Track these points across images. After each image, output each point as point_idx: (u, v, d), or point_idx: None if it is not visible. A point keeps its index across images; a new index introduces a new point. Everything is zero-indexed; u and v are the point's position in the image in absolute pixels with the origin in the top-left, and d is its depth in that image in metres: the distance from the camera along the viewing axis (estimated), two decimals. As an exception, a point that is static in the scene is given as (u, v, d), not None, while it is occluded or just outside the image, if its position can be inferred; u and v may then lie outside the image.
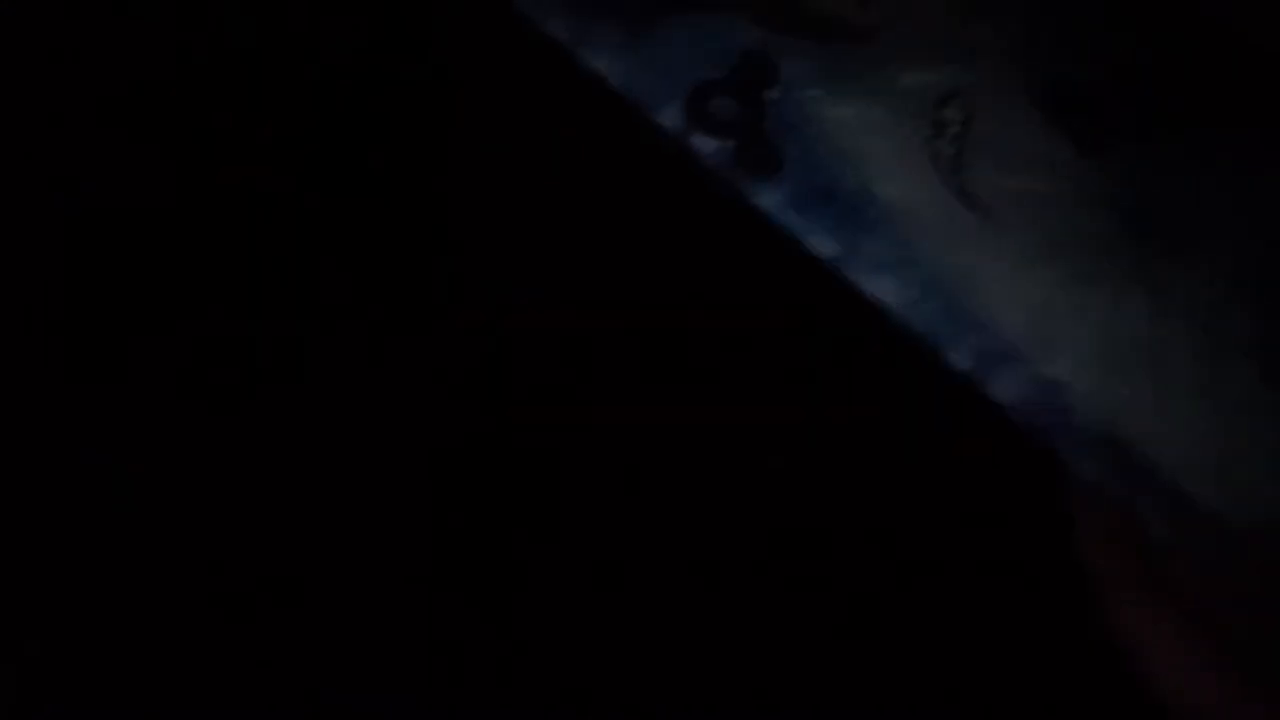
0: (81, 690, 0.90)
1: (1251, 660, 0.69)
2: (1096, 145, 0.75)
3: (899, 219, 0.72)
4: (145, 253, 0.92)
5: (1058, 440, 0.71)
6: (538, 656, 0.93)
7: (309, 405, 0.93)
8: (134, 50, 0.91)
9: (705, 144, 0.73)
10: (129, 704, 0.90)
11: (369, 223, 0.94)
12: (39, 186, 0.91)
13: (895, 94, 0.73)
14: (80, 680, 0.91)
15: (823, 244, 0.72)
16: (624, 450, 0.94)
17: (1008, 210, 0.73)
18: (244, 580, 0.92)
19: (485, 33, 0.92)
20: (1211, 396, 0.72)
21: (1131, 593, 0.71)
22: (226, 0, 0.91)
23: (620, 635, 0.93)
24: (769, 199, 0.73)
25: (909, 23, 0.74)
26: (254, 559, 0.92)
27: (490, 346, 0.94)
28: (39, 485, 0.91)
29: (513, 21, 0.90)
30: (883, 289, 0.72)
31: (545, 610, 0.94)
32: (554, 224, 0.94)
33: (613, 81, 0.73)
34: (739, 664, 0.94)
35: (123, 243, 0.92)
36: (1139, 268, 0.73)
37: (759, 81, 0.73)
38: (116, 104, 0.91)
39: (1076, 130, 0.75)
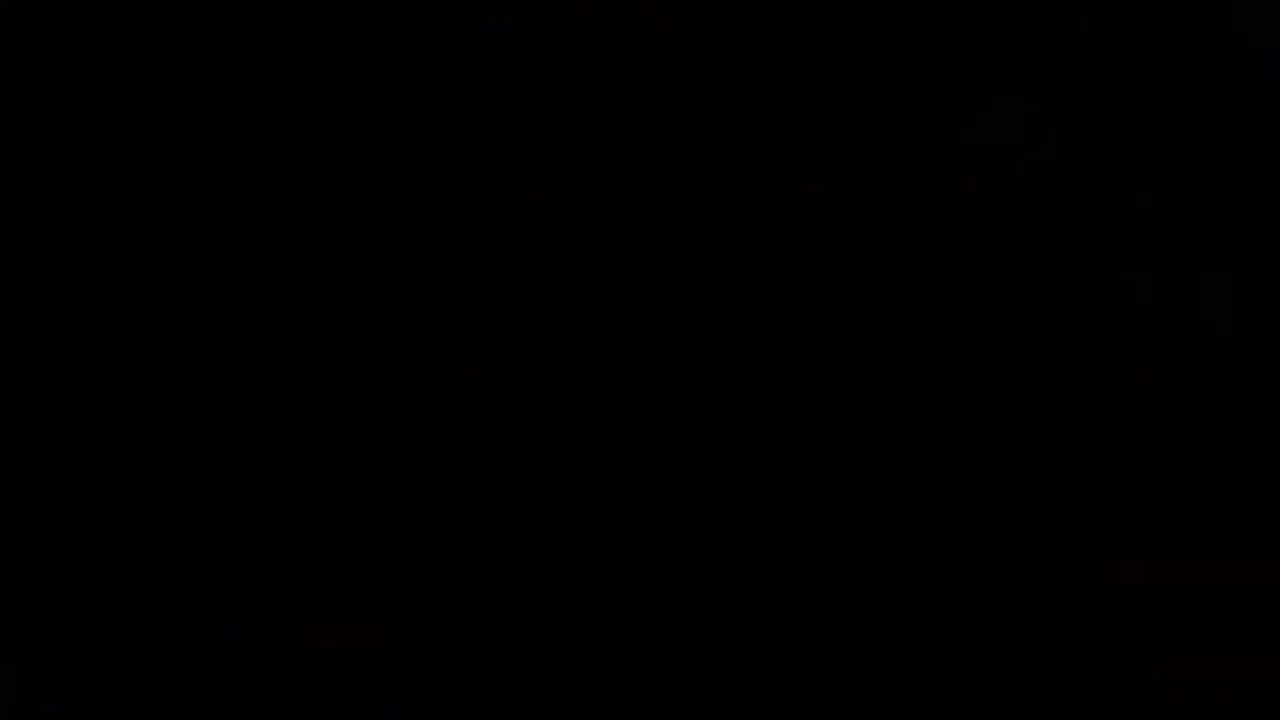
0: (81, 690, 0.90)
1: None
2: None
3: None
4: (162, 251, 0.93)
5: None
6: (538, 656, 0.92)
7: (311, 404, 0.93)
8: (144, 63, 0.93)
9: None
10: (129, 704, 0.90)
11: (373, 229, 0.95)
12: (42, 186, 0.92)
13: None
14: (80, 680, 0.90)
15: None
16: (625, 460, 0.94)
17: None
18: (245, 579, 0.92)
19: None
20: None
21: None
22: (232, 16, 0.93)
23: (622, 635, 0.93)
24: None
25: None
26: (255, 559, 0.92)
27: (505, 357, 0.95)
28: (40, 487, 0.91)
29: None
30: None
31: (548, 610, 0.93)
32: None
33: None
34: (739, 664, 0.92)
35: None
36: None
37: None
38: (119, 109, 0.93)
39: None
